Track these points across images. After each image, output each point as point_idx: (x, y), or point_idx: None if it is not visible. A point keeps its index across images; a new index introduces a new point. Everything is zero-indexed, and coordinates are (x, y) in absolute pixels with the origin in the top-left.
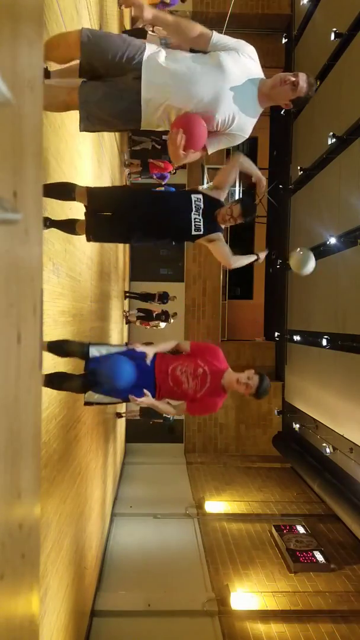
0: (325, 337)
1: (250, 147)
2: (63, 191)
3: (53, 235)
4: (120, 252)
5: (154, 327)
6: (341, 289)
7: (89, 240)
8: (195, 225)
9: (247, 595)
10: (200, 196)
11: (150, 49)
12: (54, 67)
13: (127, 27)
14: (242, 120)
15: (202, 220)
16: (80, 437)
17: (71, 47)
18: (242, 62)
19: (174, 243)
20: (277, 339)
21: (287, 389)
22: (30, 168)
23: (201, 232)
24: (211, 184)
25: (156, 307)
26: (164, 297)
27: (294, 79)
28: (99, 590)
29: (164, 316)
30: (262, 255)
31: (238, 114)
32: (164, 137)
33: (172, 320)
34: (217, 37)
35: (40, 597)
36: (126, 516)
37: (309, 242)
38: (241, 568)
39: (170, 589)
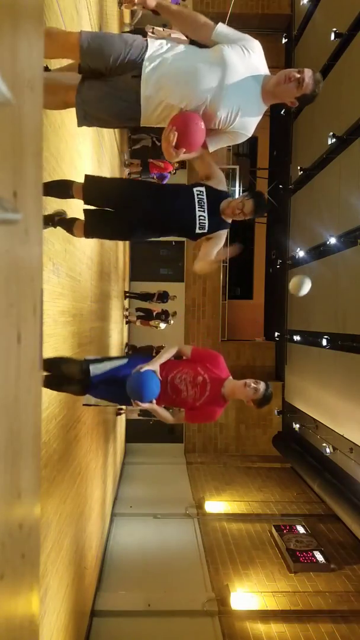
0: (325, 337)
1: (250, 147)
2: (62, 189)
3: (53, 235)
4: (120, 252)
5: (154, 327)
6: (341, 289)
7: (87, 236)
8: (199, 223)
9: (247, 595)
10: (203, 188)
11: (152, 46)
12: (54, 65)
13: (127, 26)
14: (245, 118)
15: (206, 217)
16: (80, 437)
17: (70, 50)
18: (247, 57)
19: (173, 243)
20: (277, 339)
21: (287, 389)
22: (30, 168)
23: (205, 230)
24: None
25: (156, 307)
26: (164, 297)
27: (298, 75)
28: (99, 590)
29: (164, 315)
30: (233, 250)
31: (241, 111)
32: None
33: (172, 321)
34: (221, 27)
35: (40, 597)
36: (126, 516)
37: (309, 242)
38: (241, 568)
39: (170, 589)
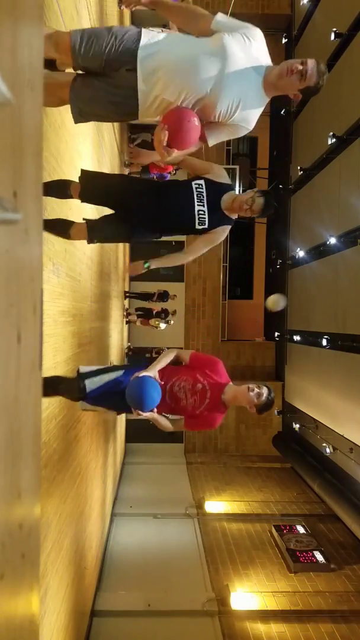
0: (325, 337)
1: (250, 147)
2: (60, 189)
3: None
4: (120, 252)
5: (154, 327)
6: (341, 289)
7: (90, 242)
8: (199, 218)
9: (247, 595)
10: (202, 182)
11: (146, 36)
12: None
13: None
14: (246, 110)
15: (206, 211)
16: (80, 437)
17: (63, 53)
18: (248, 45)
19: (173, 243)
20: (277, 339)
21: (287, 389)
22: (30, 168)
23: (206, 226)
24: None
25: (156, 306)
26: (164, 296)
27: (301, 67)
28: (99, 590)
29: (164, 314)
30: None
31: (242, 103)
32: None
33: (172, 321)
34: (220, 16)
35: (40, 597)
36: (126, 516)
37: (309, 242)
38: (241, 568)
39: (170, 589)
